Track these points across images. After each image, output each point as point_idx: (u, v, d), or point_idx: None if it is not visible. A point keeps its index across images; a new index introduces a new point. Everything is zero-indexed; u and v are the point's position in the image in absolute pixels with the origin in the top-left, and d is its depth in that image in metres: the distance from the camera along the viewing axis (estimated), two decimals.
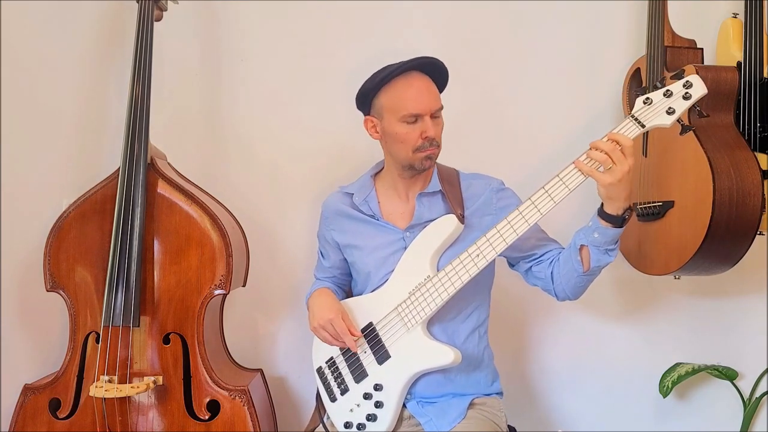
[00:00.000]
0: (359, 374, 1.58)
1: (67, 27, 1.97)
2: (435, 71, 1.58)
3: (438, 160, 1.69)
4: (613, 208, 1.44)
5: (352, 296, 1.74)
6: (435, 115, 1.56)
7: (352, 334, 1.56)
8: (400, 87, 1.55)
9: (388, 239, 1.63)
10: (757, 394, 2.03)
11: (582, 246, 1.50)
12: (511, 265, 1.70)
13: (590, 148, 1.42)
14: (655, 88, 1.42)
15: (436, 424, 1.55)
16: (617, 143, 1.39)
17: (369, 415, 1.56)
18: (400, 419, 1.58)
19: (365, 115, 1.64)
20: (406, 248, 1.59)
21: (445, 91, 1.63)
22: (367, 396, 1.57)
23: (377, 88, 1.57)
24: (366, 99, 1.61)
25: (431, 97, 1.56)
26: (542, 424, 2.11)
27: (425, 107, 1.54)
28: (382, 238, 1.63)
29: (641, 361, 2.09)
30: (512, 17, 2.10)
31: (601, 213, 1.46)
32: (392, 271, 1.60)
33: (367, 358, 1.58)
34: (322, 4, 2.08)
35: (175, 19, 1.97)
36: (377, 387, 1.56)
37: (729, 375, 2.01)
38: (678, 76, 1.41)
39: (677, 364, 2.01)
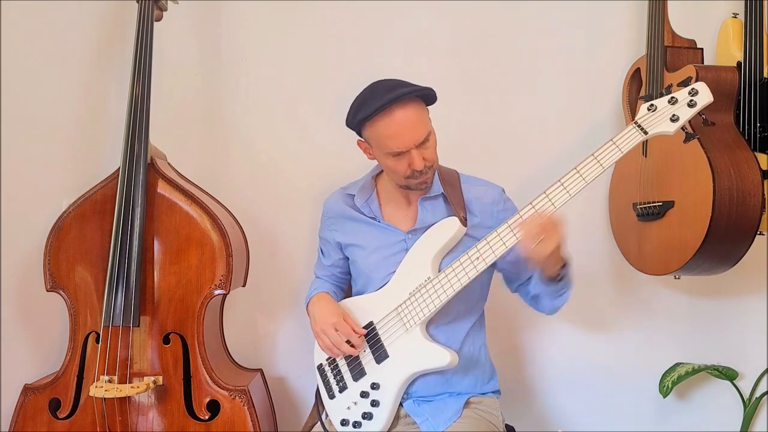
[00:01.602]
0: (358, 372, 1.59)
1: (67, 27, 1.97)
2: (416, 94, 1.52)
3: (439, 162, 1.69)
4: (548, 273, 1.50)
5: (351, 294, 1.74)
6: (423, 142, 1.51)
7: (356, 333, 1.56)
8: (382, 125, 1.49)
9: (389, 240, 1.63)
10: (757, 394, 2.03)
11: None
12: (506, 283, 1.72)
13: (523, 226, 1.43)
14: (661, 95, 1.41)
15: (432, 423, 1.55)
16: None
17: (365, 413, 1.57)
18: (396, 418, 1.59)
19: (358, 135, 1.60)
20: (407, 250, 1.60)
21: (446, 91, 1.62)
22: (364, 394, 1.57)
23: (360, 125, 1.53)
24: (353, 128, 1.58)
25: (414, 131, 1.49)
26: (541, 424, 2.11)
27: (408, 143, 1.49)
28: (385, 240, 1.64)
29: (641, 361, 2.09)
30: (512, 18, 2.09)
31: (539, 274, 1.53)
32: (393, 272, 1.60)
33: (366, 357, 1.58)
34: (323, 3, 2.08)
35: (175, 19, 1.97)
36: (374, 386, 1.57)
37: (729, 375, 2.01)
38: (685, 83, 1.40)
39: (677, 364, 2.01)
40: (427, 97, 1.53)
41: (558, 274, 1.50)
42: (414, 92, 1.49)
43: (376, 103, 1.47)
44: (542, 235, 1.39)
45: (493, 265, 1.66)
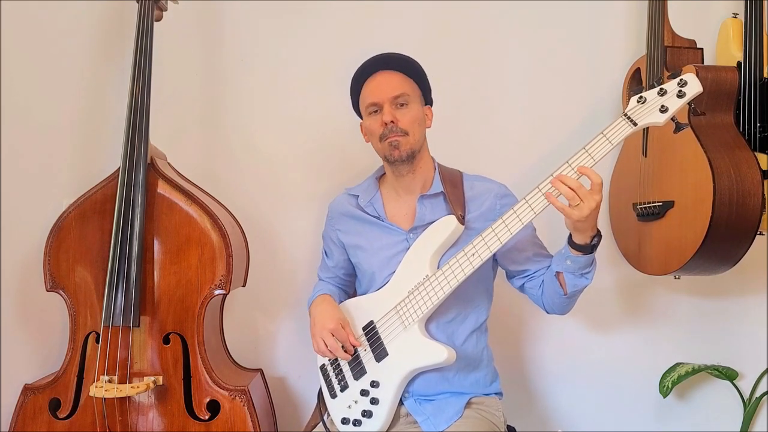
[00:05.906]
0: (358, 371, 1.59)
1: (67, 27, 1.97)
2: (404, 66, 1.64)
3: (439, 161, 1.70)
4: (581, 239, 1.47)
5: (356, 296, 1.75)
6: (399, 103, 1.60)
7: (352, 343, 1.57)
8: (367, 85, 1.65)
9: (392, 240, 1.65)
10: (757, 394, 2.03)
11: (558, 272, 1.55)
12: (509, 278, 1.72)
13: (556, 179, 1.41)
14: (652, 87, 1.41)
15: (433, 422, 1.55)
16: (588, 177, 1.40)
17: (365, 411, 1.57)
18: (397, 417, 1.59)
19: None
20: (408, 249, 1.61)
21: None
22: (364, 392, 1.58)
23: (356, 95, 1.68)
24: (355, 106, 1.71)
25: (389, 87, 1.61)
26: (542, 425, 2.11)
27: (381, 96, 1.60)
28: (387, 239, 1.65)
29: (641, 361, 2.09)
30: (512, 17, 2.10)
31: (571, 242, 1.49)
32: (395, 271, 1.61)
33: (367, 356, 1.59)
34: (322, 3, 2.08)
35: (175, 19, 1.97)
36: (374, 384, 1.57)
37: (729, 375, 2.01)
38: (675, 75, 1.40)
39: (677, 364, 2.02)
40: (413, 71, 1.63)
41: (590, 242, 1.47)
42: (394, 58, 1.62)
43: (359, 70, 1.65)
44: (578, 198, 1.38)
45: (495, 263, 1.67)
